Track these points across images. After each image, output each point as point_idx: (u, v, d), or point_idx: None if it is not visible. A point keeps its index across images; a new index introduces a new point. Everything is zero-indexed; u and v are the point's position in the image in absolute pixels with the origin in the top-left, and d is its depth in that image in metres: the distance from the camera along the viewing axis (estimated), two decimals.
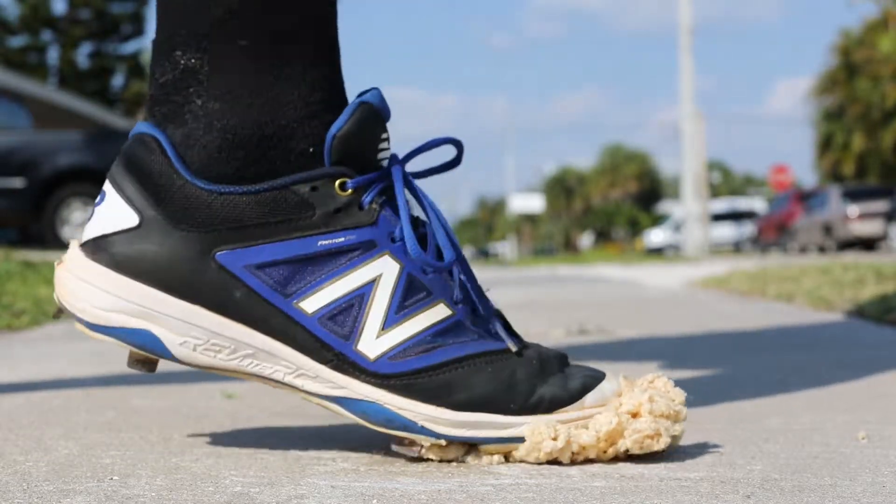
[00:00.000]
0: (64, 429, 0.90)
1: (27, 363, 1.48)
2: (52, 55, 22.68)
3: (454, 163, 0.81)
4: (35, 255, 4.32)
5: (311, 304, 0.73)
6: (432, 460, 0.75)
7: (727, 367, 1.34)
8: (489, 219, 61.09)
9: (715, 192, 39.08)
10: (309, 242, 0.74)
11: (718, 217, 26.27)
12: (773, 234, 20.00)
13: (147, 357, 0.76)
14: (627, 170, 46.51)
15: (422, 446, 0.75)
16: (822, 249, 16.31)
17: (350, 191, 0.75)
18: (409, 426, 0.74)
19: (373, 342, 0.74)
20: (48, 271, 3.58)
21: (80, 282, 0.74)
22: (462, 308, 0.76)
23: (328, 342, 0.73)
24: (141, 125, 0.75)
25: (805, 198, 18.86)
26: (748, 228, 23.93)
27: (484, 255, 54.93)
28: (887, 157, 24.20)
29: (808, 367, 1.33)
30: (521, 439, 0.74)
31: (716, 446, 0.80)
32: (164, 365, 1.27)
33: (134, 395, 1.11)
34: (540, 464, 0.74)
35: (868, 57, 23.61)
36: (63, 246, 7.21)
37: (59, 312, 0.77)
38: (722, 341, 1.75)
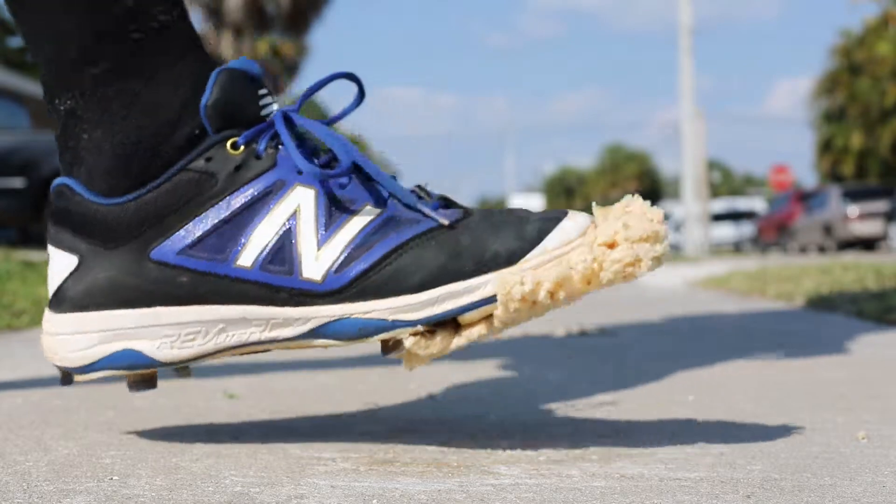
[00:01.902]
0: (64, 429, 0.90)
1: (27, 363, 1.48)
2: None
3: (357, 101, 0.83)
4: (35, 255, 4.32)
5: (247, 257, 0.77)
6: (418, 356, 0.75)
7: (727, 366, 1.34)
8: None
9: (715, 192, 39.06)
10: (223, 206, 0.78)
11: (718, 217, 26.26)
12: (773, 234, 20.00)
13: (141, 375, 0.80)
14: (627, 170, 46.52)
15: (403, 345, 0.76)
16: (822, 249, 16.30)
17: (242, 147, 0.79)
18: (383, 325, 0.75)
19: (314, 265, 0.76)
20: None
21: (56, 337, 0.80)
22: (390, 203, 0.78)
23: (277, 283, 0.76)
24: (56, 180, 0.81)
25: (805, 198, 18.86)
26: (748, 228, 23.92)
27: None
28: (886, 156, 24.19)
29: (807, 367, 1.33)
30: (494, 299, 0.73)
31: (716, 446, 0.80)
32: None
33: (134, 395, 1.11)
34: (515, 321, 0.73)
35: (869, 57, 23.61)
36: None
37: (64, 378, 0.81)
38: (722, 341, 1.75)
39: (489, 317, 0.75)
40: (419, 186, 0.80)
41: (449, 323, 0.75)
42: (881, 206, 15.28)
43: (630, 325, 2.09)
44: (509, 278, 0.73)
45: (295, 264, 0.76)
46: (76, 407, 1.03)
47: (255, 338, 0.78)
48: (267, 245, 0.77)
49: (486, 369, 1.33)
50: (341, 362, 1.43)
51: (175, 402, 1.07)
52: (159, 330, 0.78)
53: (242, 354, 0.79)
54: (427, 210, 0.77)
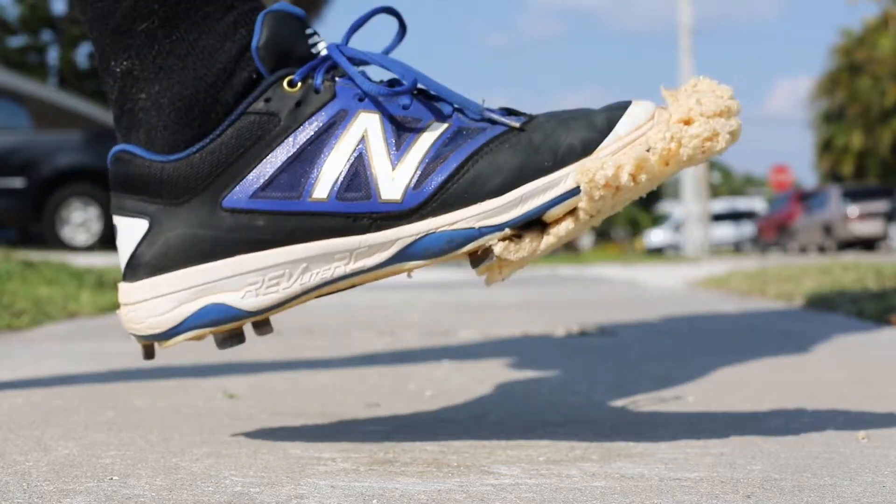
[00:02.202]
0: (64, 429, 0.90)
1: (27, 363, 1.48)
2: (52, 55, 22.69)
3: (400, 36, 0.84)
4: (35, 255, 4.31)
5: (322, 189, 0.76)
6: (509, 261, 0.75)
7: (727, 366, 1.34)
8: None
9: (715, 192, 39.05)
10: (289, 143, 0.77)
11: (718, 217, 26.24)
12: (773, 234, 19.99)
13: (229, 331, 0.79)
14: None
15: (493, 252, 0.75)
16: (822, 249, 16.30)
17: (299, 84, 0.79)
18: (471, 234, 0.75)
19: (391, 185, 0.76)
20: (48, 271, 3.58)
21: (134, 307, 0.78)
22: (455, 117, 0.78)
23: (357, 211, 0.76)
24: (113, 149, 0.80)
25: (805, 198, 18.85)
26: (748, 228, 23.92)
27: None
28: (886, 156, 24.19)
29: (807, 367, 1.33)
30: (577, 190, 0.74)
31: (716, 446, 0.80)
32: (163, 364, 1.27)
33: (134, 395, 1.11)
34: (600, 211, 0.74)
35: (869, 56, 23.60)
36: (63, 246, 7.21)
37: (146, 351, 0.80)
38: (722, 341, 1.75)
39: (574, 210, 0.75)
40: (482, 100, 0.80)
41: (535, 223, 0.76)
42: (881, 206, 15.28)
43: (630, 325, 2.09)
44: (590, 165, 0.73)
45: (372, 188, 0.76)
46: (76, 407, 1.03)
47: (339, 272, 0.77)
48: (340, 174, 0.76)
49: (486, 369, 1.33)
50: (341, 362, 1.43)
51: (175, 402, 1.07)
52: (242, 279, 0.77)
53: (329, 293, 0.79)
54: (495, 116, 0.77)
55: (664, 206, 44.09)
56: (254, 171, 0.77)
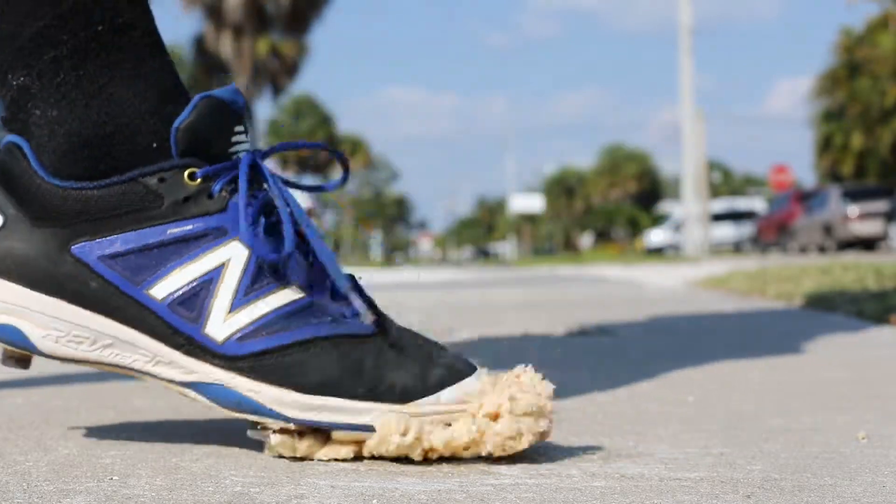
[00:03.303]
0: (64, 429, 0.90)
1: None
2: None
3: (342, 180, 0.83)
4: None
5: (161, 290, 0.75)
6: (284, 457, 0.75)
7: (727, 366, 1.34)
8: (489, 219, 61.08)
9: (715, 192, 39.05)
10: (158, 231, 0.76)
11: (718, 217, 26.25)
12: (773, 234, 20.00)
13: (19, 353, 0.78)
14: (627, 170, 46.50)
15: (272, 432, 0.75)
16: (822, 249, 16.30)
17: (199, 180, 0.77)
18: (258, 409, 0.75)
19: (220, 325, 0.75)
20: None
21: None
22: (315, 290, 0.77)
23: (178, 327, 0.75)
24: (8, 136, 0.79)
25: (805, 198, 18.86)
26: (748, 228, 23.92)
27: (484, 255, 54.93)
28: (886, 156, 24.19)
29: (807, 367, 1.33)
30: (371, 428, 0.74)
31: (716, 446, 0.80)
32: None
33: (134, 395, 1.11)
34: (390, 459, 0.74)
35: (869, 56, 23.60)
36: None
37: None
38: (722, 341, 1.75)
39: (361, 441, 0.74)
40: (354, 278, 0.80)
41: (321, 432, 0.75)
42: (881, 206, 15.29)
43: (630, 325, 2.09)
44: (393, 423, 0.73)
45: (203, 317, 0.75)
46: (76, 407, 1.03)
47: (137, 365, 0.77)
48: (183, 287, 0.75)
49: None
50: None
51: (175, 402, 1.07)
52: (52, 321, 0.76)
53: (119, 373, 0.78)
54: (347, 313, 0.77)
55: (664, 206, 44.10)
56: (114, 236, 0.76)
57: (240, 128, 0.79)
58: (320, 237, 0.78)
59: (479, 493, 0.65)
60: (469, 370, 0.76)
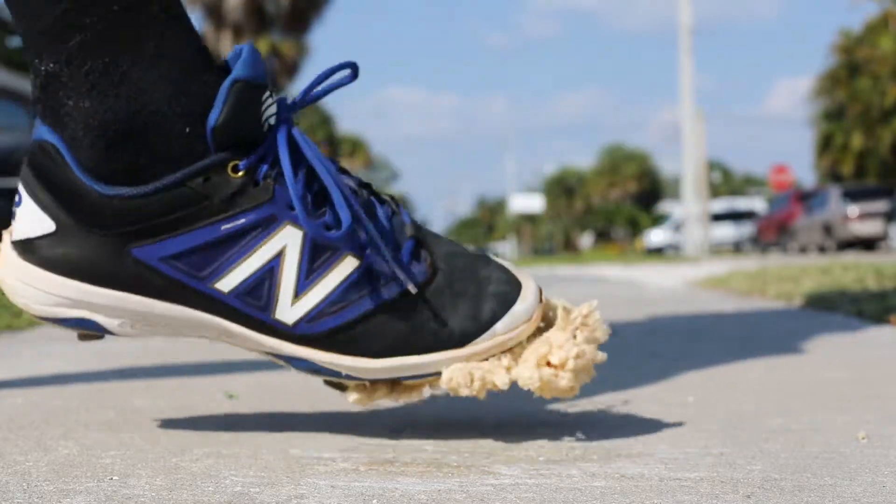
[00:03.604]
0: (64, 429, 0.90)
1: (27, 363, 1.48)
2: None
3: (350, 78, 0.83)
4: None
5: (226, 284, 0.78)
6: (359, 403, 0.83)
7: (727, 366, 1.34)
8: (489, 219, 61.08)
9: (715, 192, 39.06)
10: (212, 230, 0.77)
11: (718, 217, 26.24)
12: (773, 234, 19.99)
13: (94, 334, 0.81)
14: (627, 170, 46.48)
15: (348, 388, 0.83)
16: (822, 249, 16.30)
17: (242, 172, 0.77)
18: (334, 375, 0.81)
19: (288, 310, 0.79)
20: None
21: (17, 281, 0.79)
22: (369, 253, 0.80)
23: (250, 313, 0.79)
24: (41, 130, 0.78)
25: (805, 198, 18.85)
26: (748, 228, 23.91)
27: None
28: (886, 156, 24.18)
29: (807, 367, 1.32)
30: (438, 373, 0.81)
31: (716, 446, 0.80)
32: (163, 364, 1.27)
33: (134, 395, 1.11)
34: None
35: (869, 56, 23.59)
36: None
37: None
38: (722, 341, 1.75)
39: (431, 382, 0.83)
40: (393, 200, 0.84)
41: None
42: (881, 206, 15.28)
43: (630, 325, 2.09)
44: (458, 377, 0.80)
45: (271, 303, 0.78)
46: (76, 407, 1.03)
47: (212, 336, 0.81)
48: (248, 278, 0.78)
49: None
50: None
51: (175, 402, 1.07)
52: (122, 312, 0.78)
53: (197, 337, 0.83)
54: (399, 272, 0.80)
55: (664, 206, 44.09)
56: (171, 238, 0.77)
57: (266, 95, 0.78)
58: (358, 198, 0.81)
59: (479, 493, 0.65)
60: (516, 291, 0.82)
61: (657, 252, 27.87)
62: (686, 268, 7.95)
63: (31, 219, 0.78)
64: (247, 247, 0.77)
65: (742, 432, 0.86)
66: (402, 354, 0.80)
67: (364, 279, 0.79)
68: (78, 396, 1.11)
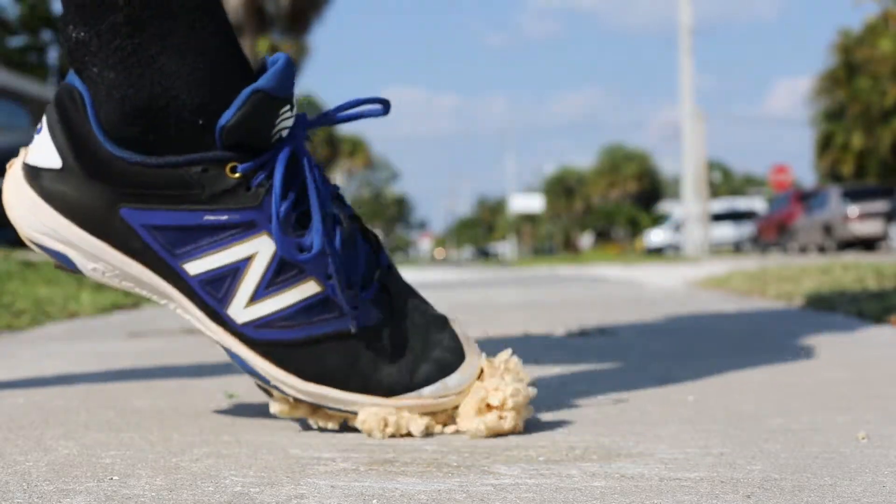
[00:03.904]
0: (64, 429, 0.90)
1: (27, 363, 1.48)
2: (52, 55, 22.67)
3: (380, 112, 0.86)
4: (35, 255, 4.32)
5: (193, 267, 0.82)
6: (278, 414, 0.87)
7: (727, 366, 1.34)
8: (489, 219, 61.07)
9: (715, 192, 39.06)
10: (196, 215, 0.81)
11: (718, 217, 26.24)
12: (773, 234, 19.99)
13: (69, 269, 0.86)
14: (627, 170, 46.48)
15: (274, 397, 0.87)
16: (822, 249, 16.30)
17: (239, 174, 0.81)
18: (266, 381, 0.85)
19: (241, 311, 0.83)
20: (48, 271, 3.58)
21: (16, 198, 0.84)
22: (332, 284, 0.83)
23: (206, 300, 0.83)
24: (73, 77, 0.82)
25: (805, 198, 18.85)
26: (748, 228, 23.91)
27: (484, 255, 54.89)
28: (886, 156, 24.18)
29: (807, 367, 1.32)
30: (356, 413, 0.85)
31: (716, 446, 0.80)
32: (163, 364, 1.27)
33: (134, 395, 1.11)
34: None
35: (869, 56, 23.59)
36: None
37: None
38: (722, 341, 1.75)
39: (348, 417, 0.86)
40: (375, 238, 0.88)
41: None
42: (881, 206, 15.28)
43: (630, 325, 2.09)
44: (373, 421, 0.84)
45: (227, 299, 0.83)
46: (76, 407, 1.03)
47: (170, 307, 0.86)
48: (213, 270, 0.82)
49: None
50: None
51: (175, 402, 1.06)
52: (99, 260, 0.84)
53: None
54: (350, 311, 0.83)
55: (664, 206, 44.09)
56: (157, 210, 0.81)
57: (285, 108, 0.81)
58: (342, 231, 0.84)
59: (479, 493, 0.65)
60: (455, 364, 0.86)
61: (657, 252, 27.88)
62: (686, 268, 7.95)
63: (44, 150, 0.83)
64: (221, 242, 0.82)
65: (742, 432, 0.86)
66: (330, 386, 0.84)
67: (319, 306, 0.83)
68: (78, 396, 1.11)
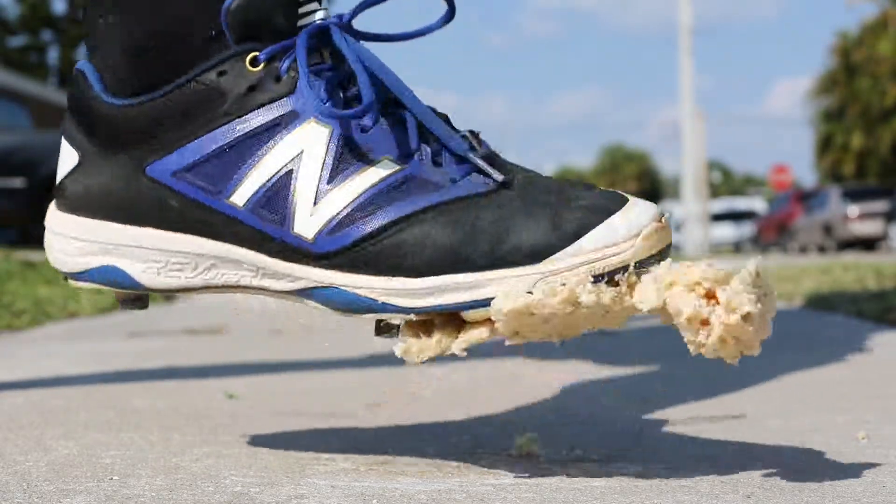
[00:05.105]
0: (64, 429, 0.90)
1: (27, 363, 1.48)
2: (52, 55, 22.67)
3: (447, 17, 0.72)
4: (35, 255, 4.32)
5: (241, 195, 0.69)
6: (411, 358, 0.66)
7: (727, 366, 1.34)
8: None
9: (715, 192, 39.04)
10: (227, 130, 0.69)
11: (718, 217, 26.25)
12: (773, 234, 19.99)
13: (133, 294, 0.74)
14: (627, 170, 46.48)
15: (397, 328, 0.66)
16: (822, 249, 16.30)
17: (262, 65, 0.69)
18: (371, 305, 0.66)
19: (307, 221, 0.67)
20: (48, 271, 3.58)
21: (53, 235, 0.75)
22: (415, 161, 0.68)
23: (268, 232, 0.68)
24: (80, 63, 0.75)
25: (805, 198, 18.86)
26: (748, 228, 23.92)
27: None
28: (886, 156, 24.19)
29: (808, 367, 1.33)
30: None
31: (716, 446, 0.80)
32: (163, 364, 1.27)
33: (134, 395, 1.11)
34: (524, 337, 0.62)
35: (868, 56, 23.60)
36: None
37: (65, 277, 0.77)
38: None
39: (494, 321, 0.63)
40: (472, 134, 0.69)
41: (451, 316, 0.65)
42: (881, 206, 15.28)
43: (630, 325, 2.09)
44: (512, 289, 0.62)
45: (288, 215, 0.68)
46: (76, 407, 1.03)
47: (245, 282, 0.71)
48: (263, 186, 0.68)
49: (485, 369, 1.33)
50: (341, 362, 1.43)
51: (175, 402, 1.07)
52: (147, 253, 0.71)
53: (239, 293, 0.73)
54: (457, 176, 0.67)
55: (664, 206, 44.08)
56: (184, 147, 0.70)
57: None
58: (418, 99, 0.69)
59: (479, 493, 0.65)
60: (615, 204, 0.64)
61: None
62: None
63: (64, 159, 0.74)
64: (263, 149, 0.68)
65: (742, 432, 0.86)
66: (450, 271, 0.64)
67: (405, 183, 0.67)
68: (78, 396, 1.11)
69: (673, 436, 0.85)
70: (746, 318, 0.60)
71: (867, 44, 23.90)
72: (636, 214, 0.64)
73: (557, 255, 0.62)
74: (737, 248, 24.16)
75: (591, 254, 0.62)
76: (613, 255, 0.62)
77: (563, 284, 0.61)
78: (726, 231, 26.01)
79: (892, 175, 23.77)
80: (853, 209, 15.63)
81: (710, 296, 0.59)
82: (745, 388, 1.14)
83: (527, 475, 0.70)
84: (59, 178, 0.75)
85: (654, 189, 46.93)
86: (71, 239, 0.73)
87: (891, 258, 7.57)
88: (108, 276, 0.73)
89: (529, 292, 0.61)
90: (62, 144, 0.75)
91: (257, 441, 0.84)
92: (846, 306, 2.27)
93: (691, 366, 1.35)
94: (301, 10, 0.70)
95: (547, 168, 53.90)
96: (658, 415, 0.96)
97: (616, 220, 0.63)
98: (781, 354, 1.47)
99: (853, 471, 0.71)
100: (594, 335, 1.84)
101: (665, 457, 0.76)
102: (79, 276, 0.74)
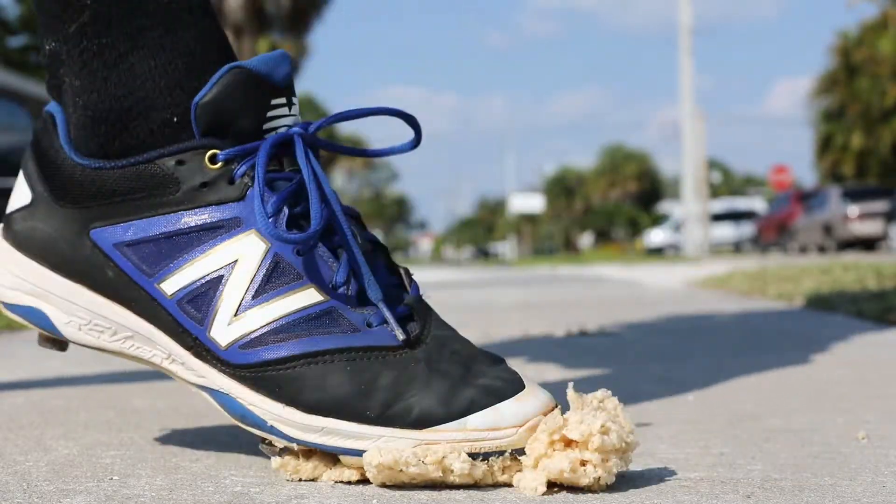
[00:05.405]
0: (64, 429, 0.90)
1: (27, 363, 1.48)
2: None
3: (412, 144, 0.75)
4: None
5: (171, 285, 0.70)
6: (283, 473, 0.68)
7: (727, 366, 1.34)
8: (489, 219, 61.06)
9: (715, 192, 39.06)
10: (172, 219, 0.71)
11: (718, 217, 26.25)
12: (773, 234, 19.99)
13: (51, 336, 0.76)
14: (627, 170, 46.48)
15: (279, 449, 0.69)
16: (822, 249, 16.30)
17: (220, 164, 0.70)
18: (260, 424, 0.68)
19: (224, 329, 0.69)
20: None
21: None
22: (340, 294, 0.69)
23: (186, 327, 0.70)
24: (51, 104, 0.76)
25: (805, 198, 18.85)
26: (748, 228, 23.91)
27: (484, 255, 54.89)
28: (886, 156, 24.19)
29: (808, 367, 1.32)
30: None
31: (716, 446, 0.80)
32: None
33: (134, 395, 1.11)
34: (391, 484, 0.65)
35: (868, 57, 23.60)
36: None
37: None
38: (722, 341, 1.75)
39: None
40: (406, 272, 0.73)
41: (329, 453, 0.67)
42: (881, 206, 15.28)
43: (630, 325, 2.09)
44: (387, 456, 0.64)
45: (209, 317, 0.69)
46: (76, 407, 1.03)
47: (156, 361, 0.73)
48: (193, 283, 0.70)
49: None
50: None
51: (175, 402, 1.07)
52: (73, 307, 0.73)
53: (143, 365, 0.75)
54: (374, 320, 0.69)
55: (664, 206, 44.09)
56: (129, 222, 0.71)
57: (279, 101, 0.71)
58: (354, 231, 0.71)
59: (479, 493, 0.65)
60: (513, 388, 0.66)
61: (657, 252, 27.88)
62: (686, 268, 7.95)
63: (17, 192, 0.76)
64: (200, 248, 0.70)
65: (742, 432, 0.86)
66: (338, 417, 0.66)
67: (326, 317, 0.68)
68: (78, 396, 1.11)
69: (673, 436, 0.85)
70: (604, 432, 0.64)
71: (867, 44, 23.90)
72: (526, 404, 0.66)
73: (441, 426, 0.65)
74: (737, 248, 24.16)
75: (473, 433, 0.65)
76: (494, 439, 0.65)
77: (437, 451, 0.64)
78: (726, 231, 26.01)
79: (892, 175, 23.77)
80: (853, 209, 15.63)
81: (566, 441, 0.63)
82: (745, 388, 1.14)
83: None
84: (9, 208, 0.76)
85: (654, 189, 46.95)
86: (8, 272, 0.76)
87: (891, 258, 7.57)
88: (34, 318, 0.75)
89: (403, 450, 0.64)
90: (19, 176, 0.76)
91: (257, 441, 0.83)
92: (846, 306, 2.27)
93: (691, 366, 1.35)
94: (269, 114, 0.71)
95: (547, 168, 53.92)
96: (658, 415, 0.96)
97: (505, 406, 0.65)
98: (781, 354, 1.47)
99: (853, 471, 0.71)
100: (594, 335, 1.84)
101: (665, 456, 0.76)
102: (10, 306, 0.76)
